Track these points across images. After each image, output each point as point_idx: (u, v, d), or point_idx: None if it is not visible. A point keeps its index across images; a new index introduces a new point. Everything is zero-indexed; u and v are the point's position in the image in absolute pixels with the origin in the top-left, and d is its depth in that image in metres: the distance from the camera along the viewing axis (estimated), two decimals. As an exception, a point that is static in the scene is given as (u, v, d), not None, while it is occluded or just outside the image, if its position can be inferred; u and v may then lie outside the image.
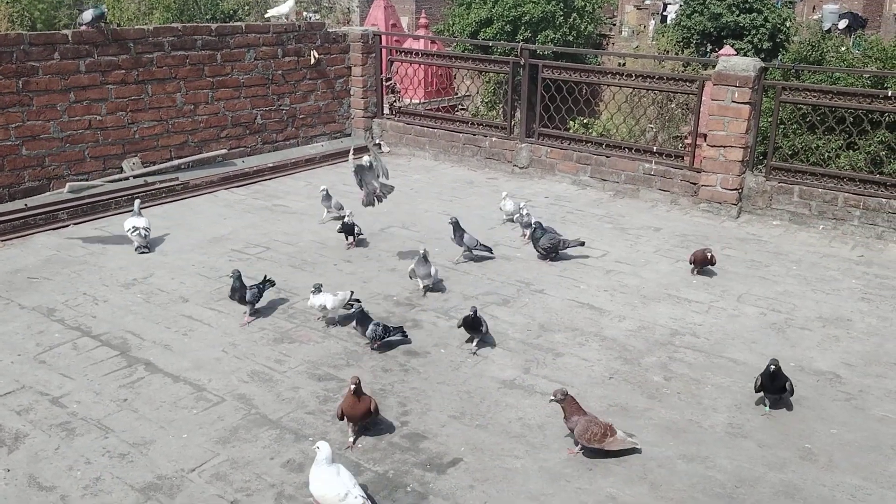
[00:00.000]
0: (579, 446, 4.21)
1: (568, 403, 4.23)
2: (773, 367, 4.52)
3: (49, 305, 5.85)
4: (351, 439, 4.24)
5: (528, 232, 7.13)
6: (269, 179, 9.41)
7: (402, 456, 4.17)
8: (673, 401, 4.75)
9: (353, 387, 4.17)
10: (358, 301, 5.31)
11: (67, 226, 7.64)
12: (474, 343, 5.31)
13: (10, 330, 5.46)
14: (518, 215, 7.38)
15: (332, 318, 5.60)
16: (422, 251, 5.93)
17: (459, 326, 5.33)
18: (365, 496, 3.68)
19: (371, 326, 5.17)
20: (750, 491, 3.94)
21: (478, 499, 3.84)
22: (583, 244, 6.97)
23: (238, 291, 5.67)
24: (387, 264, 6.79)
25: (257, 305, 5.75)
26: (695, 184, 8.38)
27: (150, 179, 8.61)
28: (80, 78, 8.15)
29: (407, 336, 5.37)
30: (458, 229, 6.77)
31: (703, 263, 6.61)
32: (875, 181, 7.66)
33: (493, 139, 9.90)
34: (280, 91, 10.10)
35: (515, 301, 6.11)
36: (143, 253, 6.91)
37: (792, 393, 4.64)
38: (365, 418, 4.24)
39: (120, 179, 8.53)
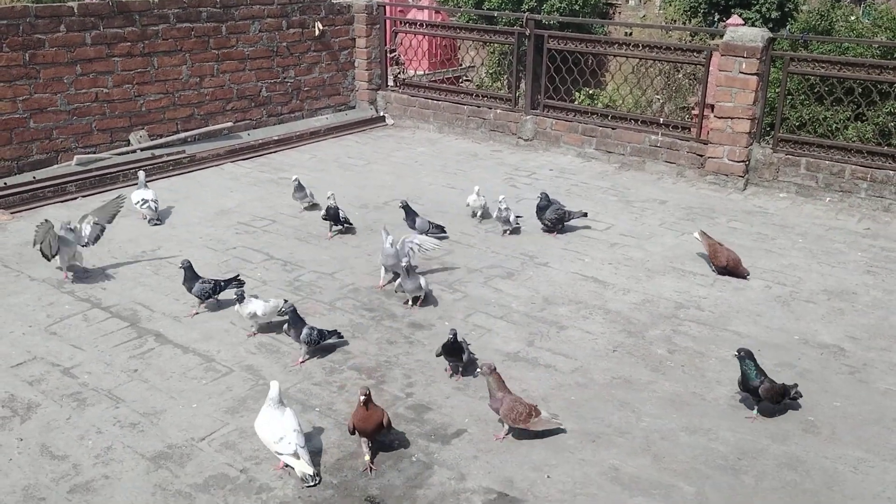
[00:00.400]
0: (506, 428, 4.12)
1: (495, 379, 4.12)
2: (795, 392, 4.38)
3: (58, 277, 5.90)
4: (367, 457, 3.89)
5: (507, 229, 6.84)
6: (275, 152, 9.42)
7: (406, 427, 4.22)
8: (677, 374, 4.78)
9: (362, 398, 3.84)
10: (293, 309, 4.85)
11: (76, 198, 7.68)
12: (451, 375, 4.71)
13: (20, 302, 5.51)
14: (497, 211, 6.76)
15: (264, 324, 5.13)
16: (404, 263, 5.42)
17: (438, 355, 4.70)
18: (302, 445, 3.77)
19: (305, 330, 4.80)
20: (752, 463, 3.98)
21: (481, 469, 3.89)
22: (586, 215, 6.98)
23: (188, 283, 5.36)
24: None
25: (210, 300, 5.41)
26: (701, 156, 8.35)
27: (157, 152, 8.63)
28: (86, 50, 8.13)
29: (343, 338, 5.04)
30: (409, 213, 6.58)
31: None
32: (883, 153, 7.61)
33: (498, 111, 9.87)
34: (285, 63, 10.06)
35: (520, 274, 6.13)
36: (155, 225, 6.97)
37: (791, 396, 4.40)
38: (377, 432, 3.91)
39: (127, 152, 8.55)
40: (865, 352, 5.06)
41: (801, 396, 4.41)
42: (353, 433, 3.94)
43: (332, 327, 5.05)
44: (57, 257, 5.67)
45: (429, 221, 6.66)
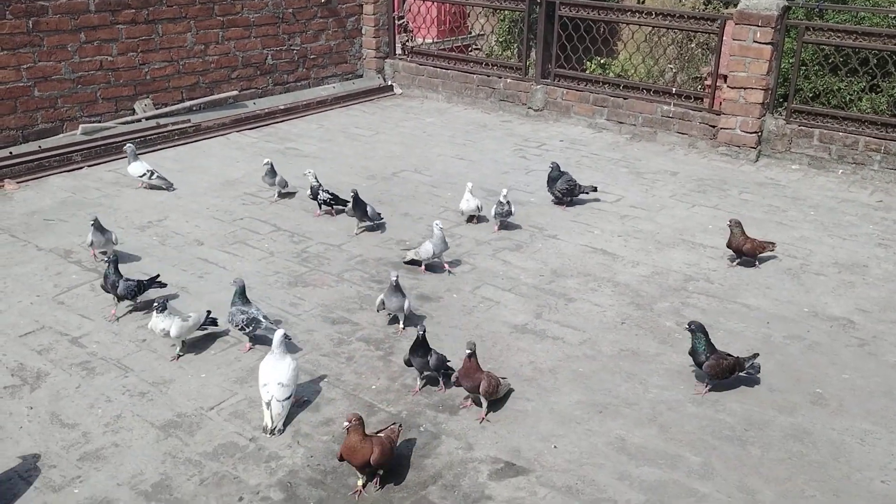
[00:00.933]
0: (485, 406, 4.05)
1: (476, 359, 4.01)
2: (751, 366, 4.28)
3: (66, 247, 5.90)
4: (359, 482, 3.55)
5: (499, 222, 6.33)
6: (281, 122, 9.35)
7: (415, 397, 4.22)
8: (685, 345, 4.74)
9: (346, 425, 3.43)
10: (214, 322, 4.66)
11: (81, 167, 7.65)
12: (420, 386, 4.31)
13: (28, 271, 5.52)
14: (497, 205, 6.22)
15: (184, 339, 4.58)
16: (393, 278, 4.74)
17: (407, 363, 4.30)
18: (280, 399, 3.85)
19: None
20: (759, 434, 3.98)
21: (489, 439, 3.90)
22: (595, 189, 6.92)
23: (108, 279, 4.90)
24: (399, 209, 6.78)
25: (135, 300, 4.99)
26: (714, 126, 8.26)
27: (162, 121, 8.59)
28: (89, 17, 8.06)
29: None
30: (358, 202, 6.15)
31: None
32: (897, 125, 7.52)
33: (508, 80, 9.77)
34: (290, 30, 9.96)
35: (528, 246, 6.10)
36: (173, 190, 7.04)
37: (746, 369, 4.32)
38: (363, 468, 3.47)
39: (132, 121, 8.51)
40: (875, 324, 5.03)
41: (758, 371, 4.35)
42: (340, 460, 3.54)
43: (328, 300, 5.04)
44: (94, 240, 5.52)
45: (377, 212, 6.29)
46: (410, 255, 5.70)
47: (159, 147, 8.24)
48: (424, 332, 4.19)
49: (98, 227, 5.49)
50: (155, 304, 4.46)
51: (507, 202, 6.22)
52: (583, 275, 5.65)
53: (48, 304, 5.07)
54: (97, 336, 4.73)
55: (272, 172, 6.81)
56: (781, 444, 3.92)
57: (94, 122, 8.26)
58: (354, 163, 7.93)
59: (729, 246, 5.78)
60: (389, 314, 4.95)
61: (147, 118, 8.59)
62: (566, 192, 6.77)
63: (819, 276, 5.66)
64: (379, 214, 6.36)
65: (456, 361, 4.23)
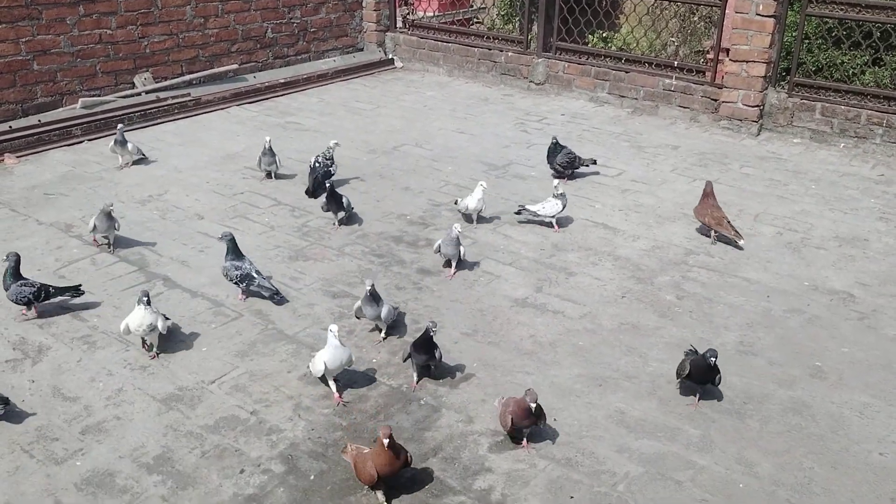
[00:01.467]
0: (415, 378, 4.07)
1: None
2: (712, 359, 3.86)
3: (66, 221, 5.90)
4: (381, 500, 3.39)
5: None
6: (281, 96, 9.31)
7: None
8: (684, 319, 4.78)
9: (386, 441, 3.25)
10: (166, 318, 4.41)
11: (81, 142, 7.63)
12: (416, 381, 4.13)
13: (29, 245, 5.52)
14: (543, 206, 5.81)
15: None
16: (368, 286, 4.37)
17: (405, 359, 4.15)
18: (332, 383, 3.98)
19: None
20: (758, 407, 4.00)
21: (488, 412, 3.92)
22: (595, 163, 6.89)
23: (5, 281, 4.59)
24: (400, 183, 6.77)
25: (38, 304, 4.62)
26: (715, 100, 8.21)
27: (161, 95, 8.54)
28: (88, -10, 8.01)
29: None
30: (334, 195, 5.77)
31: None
32: (900, 98, 7.47)
33: (509, 54, 9.69)
34: (290, 3, 9.87)
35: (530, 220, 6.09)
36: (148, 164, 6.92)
37: (719, 383, 4.03)
38: (400, 470, 3.37)
39: (132, 95, 8.47)
40: (875, 298, 5.04)
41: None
42: (375, 482, 3.30)
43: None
44: (97, 225, 5.32)
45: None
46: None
47: (159, 121, 8.21)
48: (433, 332, 4.00)
49: (108, 214, 5.31)
50: (141, 296, 4.17)
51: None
52: (583, 249, 5.65)
53: (49, 278, 5.07)
54: (98, 310, 4.74)
55: (270, 152, 6.63)
56: (780, 417, 3.94)
57: (93, 95, 8.22)
58: (355, 137, 7.90)
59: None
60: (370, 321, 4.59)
61: (147, 92, 8.55)
62: (566, 165, 6.74)
63: (820, 249, 5.66)
64: (351, 205, 5.92)
65: (455, 337, 4.24)
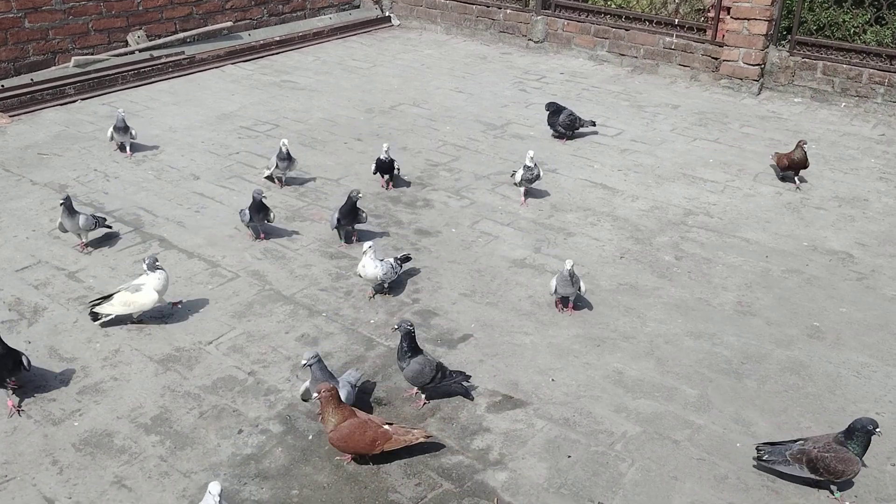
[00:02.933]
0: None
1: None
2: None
3: (61, 182, 5.85)
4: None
5: (524, 189, 5.59)
6: (277, 54, 9.17)
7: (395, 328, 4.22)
8: (683, 280, 4.76)
9: (315, 396, 3.19)
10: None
11: (75, 101, 7.53)
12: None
13: (23, 206, 5.48)
14: (523, 169, 5.55)
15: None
16: (304, 361, 3.53)
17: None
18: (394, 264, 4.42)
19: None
20: (755, 367, 4.00)
21: (487, 373, 3.92)
22: (594, 124, 6.82)
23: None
24: (397, 143, 6.70)
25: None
26: (716, 58, 8.11)
27: (155, 53, 8.42)
28: (78, -55, 7.84)
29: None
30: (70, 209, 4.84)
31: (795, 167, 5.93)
32: (903, 57, 7.38)
33: (508, 11, 9.55)
34: (286, -41, 9.70)
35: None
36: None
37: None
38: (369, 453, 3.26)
39: (126, 53, 8.35)
40: (874, 258, 5.02)
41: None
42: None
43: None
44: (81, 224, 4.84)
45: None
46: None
47: (153, 80, 8.10)
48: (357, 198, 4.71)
49: (69, 207, 4.78)
50: (145, 260, 4.09)
51: (535, 165, 5.51)
52: (582, 209, 5.61)
53: (44, 239, 5.05)
54: (94, 270, 4.71)
55: (288, 156, 5.70)
56: (778, 376, 3.94)
57: (86, 54, 8.10)
58: (352, 96, 7.81)
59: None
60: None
61: (140, 50, 8.43)
62: (568, 126, 6.67)
63: (819, 209, 5.63)
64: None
65: (454, 298, 4.21)
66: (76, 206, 4.99)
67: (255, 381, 3.82)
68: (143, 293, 4.07)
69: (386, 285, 4.55)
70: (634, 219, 5.48)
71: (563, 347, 4.13)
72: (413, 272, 4.78)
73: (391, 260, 4.51)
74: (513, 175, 5.75)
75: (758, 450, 3.35)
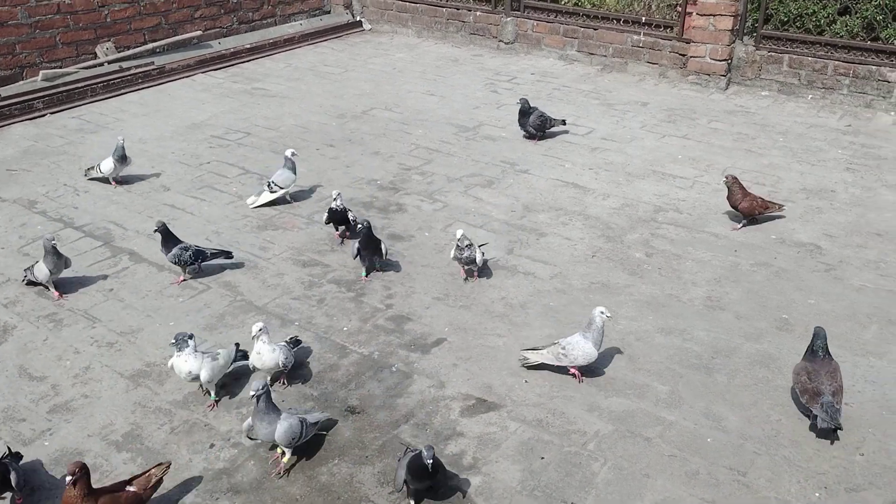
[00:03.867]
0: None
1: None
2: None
3: (30, 197, 5.80)
4: None
5: (473, 269, 4.74)
6: (248, 61, 9.15)
7: (386, 338, 4.24)
8: (654, 276, 4.80)
9: (69, 478, 2.86)
10: (245, 356, 3.94)
11: (44, 115, 7.48)
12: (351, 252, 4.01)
13: (-9, 224, 5.43)
14: (456, 249, 4.62)
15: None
16: (253, 392, 3.27)
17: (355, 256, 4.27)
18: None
19: (175, 250, 4.61)
20: (725, 361, 4.04)
21: (460, 376, 3.94)
22: (564, 123, 6.86)
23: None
24: (370, 147, 6.70)
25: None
26: (684, 55, 8.17)
27: (124, 65, 8.37)
28: (41, -42, 7.78)
29: (231, 257, 4.69)
30: (372, 238, 4.71)
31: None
32: (866, 48, 7.46)
33: (478, 13, 9.57)
34: (254, -33, 9.67)
35: (500, 182, 6.07)
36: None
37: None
38: None
39: (94, 65, 8.29)
40: (841, 249, 5.08)
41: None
42: None
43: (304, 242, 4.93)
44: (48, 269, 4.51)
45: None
46: None
47: (123, 91, 8.05)
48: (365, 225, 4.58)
49: (53, 249, 4.45)
50: (175, 341, 3.68)
51: (469, 245, 4.59)
52: (554, 209, 5.64)
53: (13, 257, 5.00)
54: (63, 287, 4.67)
55: (293, 169, 5.61)
56: (747, 370, 3.98)
57: (54, 67, 8.04)
58: (324, 102, 7.80)
59: (729, 201, 5.32)
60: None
61: (109, 62, 8.37)
62: (538, 126, 6.70)
63: (787, 202, 5.67)
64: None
65: (427, 302, 4.21)
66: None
67: (227, 394, 3.80)
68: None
69: (286, 372, 3.87)
70: (605, 217, 5.52)
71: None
72: (387, 277, 4.79)
73: (283, 344, 3.86)
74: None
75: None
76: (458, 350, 4.14)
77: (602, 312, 3.84)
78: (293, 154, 5.62)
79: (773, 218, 5.43)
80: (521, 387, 3.87)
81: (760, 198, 5.34)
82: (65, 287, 4.64)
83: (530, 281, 4.77)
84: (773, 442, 3.52)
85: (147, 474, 3.12)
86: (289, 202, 5.72)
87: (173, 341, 3.67)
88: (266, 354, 3.74)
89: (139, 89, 8.16)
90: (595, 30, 8.73)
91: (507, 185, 6.00)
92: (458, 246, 4.61)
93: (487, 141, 6.84)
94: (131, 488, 3.04)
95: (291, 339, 4.02)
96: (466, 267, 4.73)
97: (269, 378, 3.83)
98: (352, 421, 3.64)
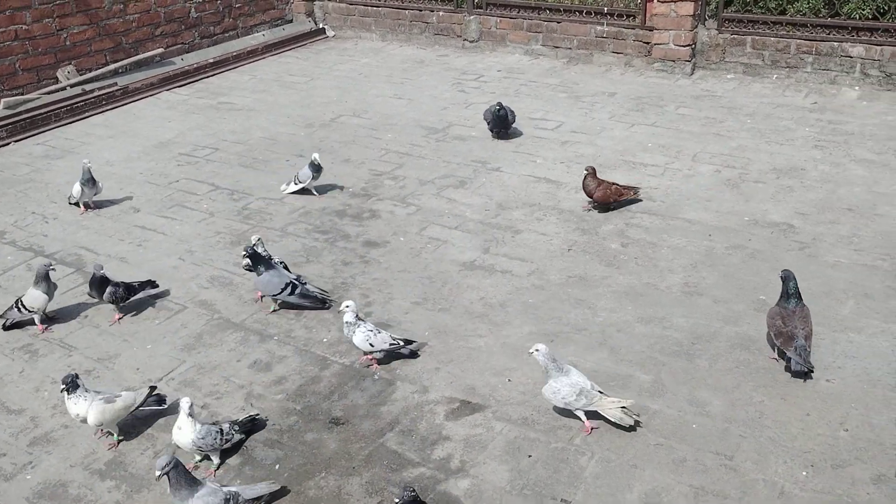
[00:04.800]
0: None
1: None
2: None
3: (-2, 229, 5.72)
4: None
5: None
6: (212, 76, 9.08)
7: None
8: (630, 266, 4.81)
9: None
10: (160, 401, 3.75)
11: (8, 143, 7.37)
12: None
13: (-40, 257, 5.34)
14: (346, 326, 3.97)
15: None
16: (160, 469, 2.99)
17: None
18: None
19: (109, 288, 4.41)
20: (706, 346, 4.06)
21: (443, 380, 3.92)
22: (513, 112, 6.76)
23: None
24: (340, 155, 6.67)
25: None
26: (647, 43, 8.21)
27: (87, 87, 8.27)
28: (-5, -15, 7.67)
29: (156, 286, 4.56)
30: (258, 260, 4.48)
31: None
32: (826, 24, 7.53)
33: (441, 13, 9.56)
34: (213, -20, 9.59)
35: (472, 182, 6.06)
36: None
37: None
38: None
39: (57, 90, 8.19)
40: (814, 227, 5.13)
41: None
42: None
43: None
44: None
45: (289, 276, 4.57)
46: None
47: (87, 114, 7.96)
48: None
49: (45, 275, 4.41)
50: (63, 383, 3.50)
51: (354, 321, 3.96)
52: (528, 205, 5.64)
53: (-16, 290, 4.93)
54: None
55: (316, 168, 5.86)
56: (728, 353, 4.00)
57: (16, 94, 7.93)
58: (291, 112, 7.76)
59: (584, 191, 5.44)
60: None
61: (71, 86, 8.27)
62: (496, 123, 6.65)
63: (758, 183, 5.72)
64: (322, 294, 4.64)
65: (406, 307, 4.18)
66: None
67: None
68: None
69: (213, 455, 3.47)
70: (580, 210, 5.52)
71: (518, 346, 4.15)
72: (364, 285, 4.76)
73: (215, 425, 3.45)
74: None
75: None
76: (440, 353, 4.13)
77: (536, 350, 3.58)
78: (316, 157, 5.89)
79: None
80: (505, 386, 3.87)
81: (615, 184, 5.42)
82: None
83: (508, 279, 4.76)
84: (758, 424, 3.53)
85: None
86: (314, 195, 5.96)
87: (62, 385, 3.49)
88: (185, 429, 3.32)
89: (104, 111, 8.07)
90: (559, 23, 8.75)
91: (479, 185, 6.00)
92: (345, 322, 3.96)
93: (458, 141, 6.84)
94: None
95: (246, 418, 3.58)
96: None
97: (174, 450, 3.41)
98: (336, 432, 3.62)
